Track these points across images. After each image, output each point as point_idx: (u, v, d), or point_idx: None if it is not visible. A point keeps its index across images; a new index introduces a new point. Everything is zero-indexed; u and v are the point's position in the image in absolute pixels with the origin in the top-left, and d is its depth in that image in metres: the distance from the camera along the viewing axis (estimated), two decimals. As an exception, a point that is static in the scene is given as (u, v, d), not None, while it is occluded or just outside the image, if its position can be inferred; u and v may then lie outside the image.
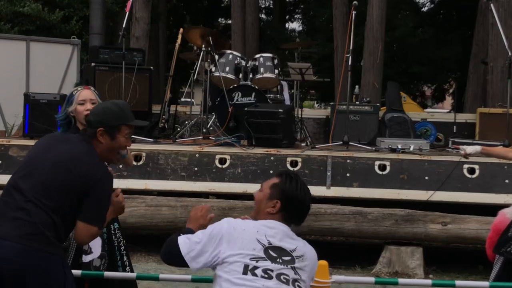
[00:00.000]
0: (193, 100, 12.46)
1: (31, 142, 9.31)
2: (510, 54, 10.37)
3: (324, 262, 4.55)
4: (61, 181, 3.70)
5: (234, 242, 3.60)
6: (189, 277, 5.69)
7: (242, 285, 3.51)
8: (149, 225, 8.47)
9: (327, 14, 24.51)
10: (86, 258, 5.12)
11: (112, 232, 5.25)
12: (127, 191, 8.66)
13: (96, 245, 5.13)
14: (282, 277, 3.57)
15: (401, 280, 6.01)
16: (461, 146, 6.33)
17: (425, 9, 32.70)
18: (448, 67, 28.63)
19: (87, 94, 5.17)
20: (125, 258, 5.33)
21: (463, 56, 22.85)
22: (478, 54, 18.05)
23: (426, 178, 8.76)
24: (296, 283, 3.60)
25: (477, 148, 6.04)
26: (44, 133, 9.27)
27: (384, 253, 8.27)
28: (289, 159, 8.75)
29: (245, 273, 3.53)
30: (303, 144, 9.77)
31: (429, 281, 5.97)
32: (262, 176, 8.62)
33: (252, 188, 8.77)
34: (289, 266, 3.62)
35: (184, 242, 3.66)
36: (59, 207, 3.66)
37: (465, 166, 8.69)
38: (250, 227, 3.68)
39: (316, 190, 8.55)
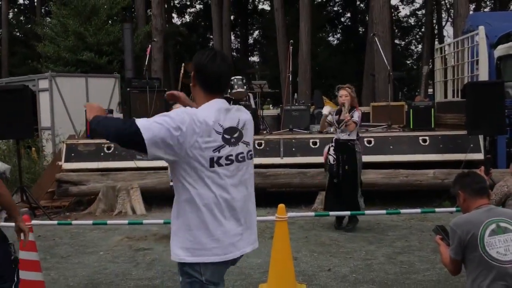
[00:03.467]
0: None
1: (92, 141, 9.18)
2: (388, 68, 10.41)
3: (282, 205, 4.52)
4: None
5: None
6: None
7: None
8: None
9: (274, 50, 24.52)
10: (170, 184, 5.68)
11: None
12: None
13: None
14: (239, 157, 2.51)
15: (331, 213, 6.03)
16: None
17: (334, 43, 32.89)
18: (350, 79, 28.92)
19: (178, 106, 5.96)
20: None
21: (359, 72, 22.97)
22: (368, 70, 18.22)
23: (342, 148, 8.77)
24: (249, 153, 2.58)
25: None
26: (99, 135, 9.23)
27: (318, 197, 8.24)
28: (256, 141, 8.70)
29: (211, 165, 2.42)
30: (264, 132, 9.72)
31: (348, 212, 5.97)
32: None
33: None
34: (240, 143, 2.52)
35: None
36: None
37: (365, 139, 8.67)
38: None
39: (274, 160, 8.62)
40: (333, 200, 6.67)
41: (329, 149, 6.78)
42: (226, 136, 2.45)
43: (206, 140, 2.39)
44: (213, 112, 2.44)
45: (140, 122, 2.34)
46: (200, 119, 2.38)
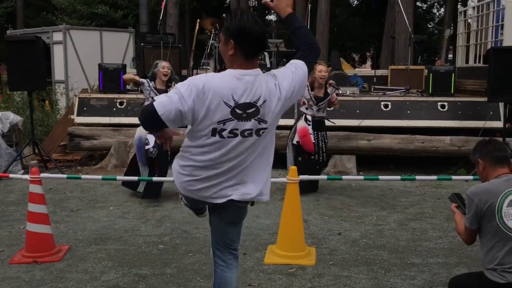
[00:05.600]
0: (208, 67, 12.16)
1: (104, 95, 9.12)
2: (410, 30, 10.12)
3: (294, 167, 4.45)
4: None
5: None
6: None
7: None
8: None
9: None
10: (147, 147, 5.94)
11: None
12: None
13: (151, 140, 5.86)
14: (246, 133, 2.47)
15: (344, 177, 5.95)
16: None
17: (354, 4, 32.21)
18: (369, 41, 28.45)
19: (165, 64, 6.12)
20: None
21: (379, 34, 22.48)
22: (388, 32, 17.76)
23: (358, 111, 8.61)
24: (261, 131, 2.52)
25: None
26: (111, 89, 9.18)
27: (332, 160, 8.17)
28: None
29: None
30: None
31: (361, 177, 5.88)
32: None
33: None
34: (252, 119, 2.47)
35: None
36: None
37: (382, 103, 8.54)
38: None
39: (287, 122, 8.31)
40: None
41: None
42: (238, 111, 2.42)
43: (213, 111, 2.39)
44: (232, 83, 2.42)
45: (157, 101, 2.42)
46: (210, 87, 2.38)
